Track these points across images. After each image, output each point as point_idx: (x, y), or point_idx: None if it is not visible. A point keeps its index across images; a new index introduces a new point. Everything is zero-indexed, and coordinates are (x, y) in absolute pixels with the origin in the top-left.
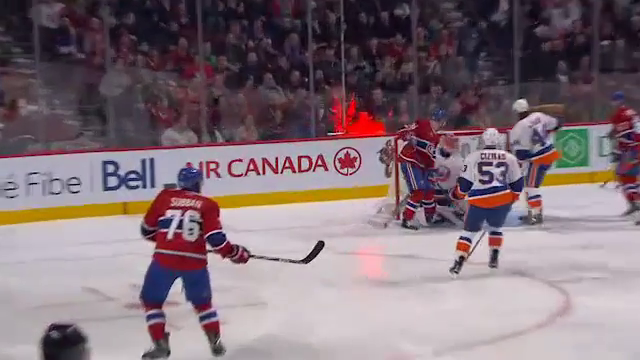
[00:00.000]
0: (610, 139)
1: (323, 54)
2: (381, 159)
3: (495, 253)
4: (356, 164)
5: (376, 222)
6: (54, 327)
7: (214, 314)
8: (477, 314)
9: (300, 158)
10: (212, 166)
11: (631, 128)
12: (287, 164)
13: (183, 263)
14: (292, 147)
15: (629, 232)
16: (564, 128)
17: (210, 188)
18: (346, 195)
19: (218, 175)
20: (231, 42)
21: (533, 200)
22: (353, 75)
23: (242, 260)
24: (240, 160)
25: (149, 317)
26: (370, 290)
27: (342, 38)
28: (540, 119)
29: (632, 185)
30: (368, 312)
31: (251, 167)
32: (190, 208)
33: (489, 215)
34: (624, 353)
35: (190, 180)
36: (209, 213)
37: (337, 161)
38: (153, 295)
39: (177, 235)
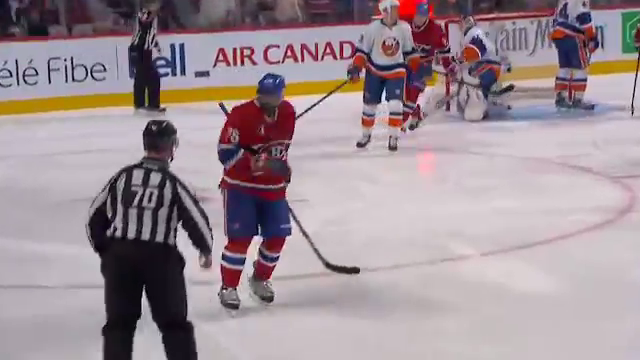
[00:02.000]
0: None
1: None
2: None
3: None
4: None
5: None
6: (152, 122)
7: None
8: (533, 213)
9: (342, 44)
10: (246, 52)
11: None
12: (327, 50)
13: None
14: (334, 31)
15: None
16: None
17: (244, 76)
18: None
19: (253, 62)
20: None
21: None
22: None
23: None
24: (277, 46)
25: (234, 260)
26: (416, 187)
27: None
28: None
29: None
30: (414, 210)
31: (288, 53)
32: None
33: None
34: None
35: None
36: None
37: None
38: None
39: None
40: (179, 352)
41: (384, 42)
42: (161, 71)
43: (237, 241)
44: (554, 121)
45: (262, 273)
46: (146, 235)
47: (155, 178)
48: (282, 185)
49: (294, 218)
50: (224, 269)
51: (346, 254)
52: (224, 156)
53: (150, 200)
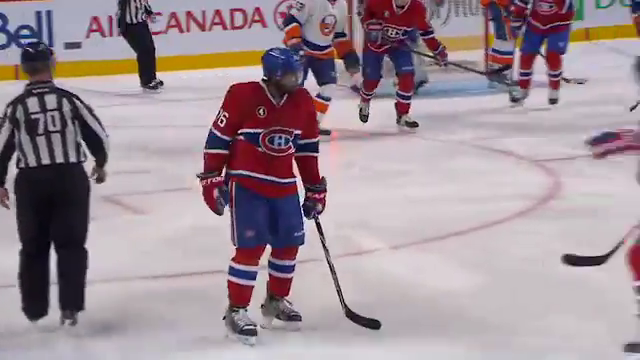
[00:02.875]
0: None
1: None
2: None
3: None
4: None
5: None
6: (28, 46)
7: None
8: (448, 201)
9: (233, 12)
10: None
11: None
12: (217, 19)
13: None
14: None
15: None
16: None
17: (120, 48)
18: None
19: None
20: None
21: None
22: None
23: None
24: (159, 14)
25: (245, 274)
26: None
27: None
28: None
29: None
30: None
31: (172, 22)
32: None
33: None
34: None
35: None
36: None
37: (278, 15)
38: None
39: None
40: (74, 269)
41: (324, 19)
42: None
43: (250, 251)
44: (472, 99)
45: (279, 288)
46: (60, 158)
47: (51, 101)
48: (294, 179)
49: (324, 248)
50: (233, 285)
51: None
52: (210, 143)
53: (54, 124)
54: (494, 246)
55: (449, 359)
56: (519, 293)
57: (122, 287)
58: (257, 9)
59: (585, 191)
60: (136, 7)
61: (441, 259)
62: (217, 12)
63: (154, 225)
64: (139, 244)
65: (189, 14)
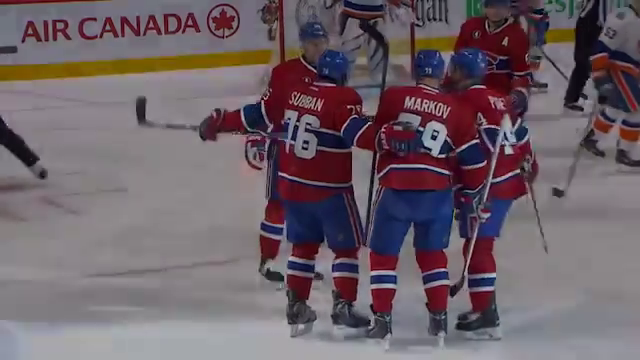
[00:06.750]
0: None
1: None
2: (263, 19)
3: None
4: (234, 24)
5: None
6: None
7: (346, 267)
8: None
9: (167, 17)
10: (59, 25)
11: None
12: (151, 24)
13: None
14: (156, 3)
15: None
16: None
17: (56, 53)
18: (221, 62)
19: (67, 37)
20: None
21: None
22: None
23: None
24: (94, 19)
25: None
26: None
27: None
28: None
29: None
30: (252, 199)
31: (107, 27)
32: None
33: None
34: None
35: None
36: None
37: (211, 21)
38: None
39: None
40: None
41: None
42: None
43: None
44: None
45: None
46: None
47: None
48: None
49: None
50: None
51: (177, 247)
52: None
53: None
54: None
55: None
56: None
57: (61, 286)
58: (190, 14)
59: None
60: None
61: None
62: (151, 17)
63: (90, 225)
64: (76, 244)
65: (124, 19)
